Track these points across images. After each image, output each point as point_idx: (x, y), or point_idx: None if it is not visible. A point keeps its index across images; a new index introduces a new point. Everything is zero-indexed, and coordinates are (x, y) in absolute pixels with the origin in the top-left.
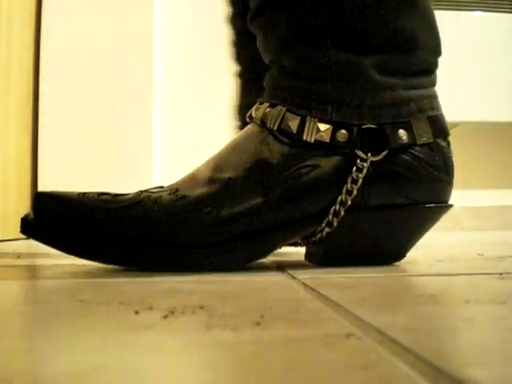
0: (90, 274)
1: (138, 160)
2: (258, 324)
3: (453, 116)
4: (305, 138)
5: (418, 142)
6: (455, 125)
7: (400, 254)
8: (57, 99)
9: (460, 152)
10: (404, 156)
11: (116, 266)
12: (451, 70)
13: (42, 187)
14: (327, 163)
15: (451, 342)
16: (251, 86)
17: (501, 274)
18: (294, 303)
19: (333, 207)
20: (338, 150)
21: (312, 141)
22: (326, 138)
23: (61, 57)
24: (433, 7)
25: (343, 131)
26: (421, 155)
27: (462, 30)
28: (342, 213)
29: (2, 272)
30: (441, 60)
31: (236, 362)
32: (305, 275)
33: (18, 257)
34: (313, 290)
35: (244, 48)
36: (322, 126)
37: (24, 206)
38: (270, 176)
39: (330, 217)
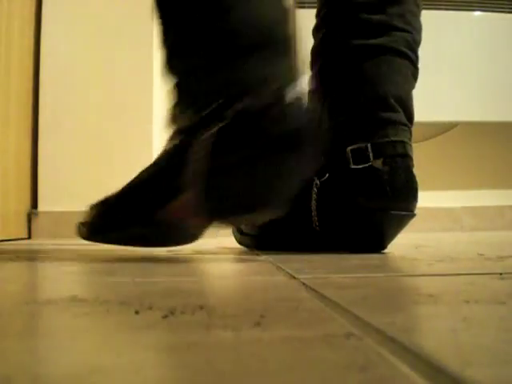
0: (90, 274)
1: (137, 159)
2: (258, 324)
3: (453, 116)
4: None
5: None
6: (455, 125)
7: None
8: (57, 99)
9: (460, 152)
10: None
11: (117, 266)
12: (451, 70)
13: (42, 187)
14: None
15: (451, 341)
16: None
17: (501, 274)
18: (294, 303)
19: None
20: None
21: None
22: None
23: (61, 57)
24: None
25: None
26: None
27: (462, 30)
28: None
29: (2, 272)
30: (441, 60)
31: (236, 361)
32: (305, 275)
33: (18, 256)
34: (313, 290)
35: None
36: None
37: (24, 206)
38: None
39: None
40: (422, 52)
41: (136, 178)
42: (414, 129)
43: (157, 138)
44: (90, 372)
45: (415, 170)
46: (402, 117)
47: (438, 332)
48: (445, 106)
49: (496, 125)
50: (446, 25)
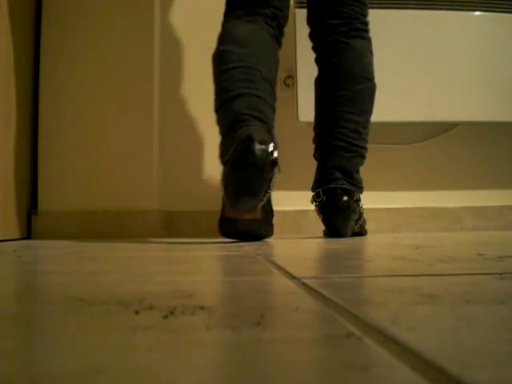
0: (90, 274)
1: (137, 159)
2: (258, 324)
3: (453, 116)
4: None
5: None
6: (455, 125)
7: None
8: (57, 100)
9: (460, 152)
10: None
11: (117, 266)
12: (451, 70)
13: (42, 187)
14: None
15: (451, 341)
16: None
17: (501, 274)
18: (294, 303)
19: None
20: None
21: None
22: None
23: (61, 56)
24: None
25: None
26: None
27: (462, 30)
28: None
29: (2, 272)
30: (441, 60)
31: (236, 362)
32: (305, 275)
33: (18, 256)
34: (313, 290)
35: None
36: None
37: (24, 206)
38: None
39: None
40: (423, 52)
41: None
42: (414, 129)
43: (157, 139)
44: (89, 372)
45: (415, 171)
46: None
47: (438, 332)
48: (445, 106)
49: (496, 125)
50: (446, 25)
